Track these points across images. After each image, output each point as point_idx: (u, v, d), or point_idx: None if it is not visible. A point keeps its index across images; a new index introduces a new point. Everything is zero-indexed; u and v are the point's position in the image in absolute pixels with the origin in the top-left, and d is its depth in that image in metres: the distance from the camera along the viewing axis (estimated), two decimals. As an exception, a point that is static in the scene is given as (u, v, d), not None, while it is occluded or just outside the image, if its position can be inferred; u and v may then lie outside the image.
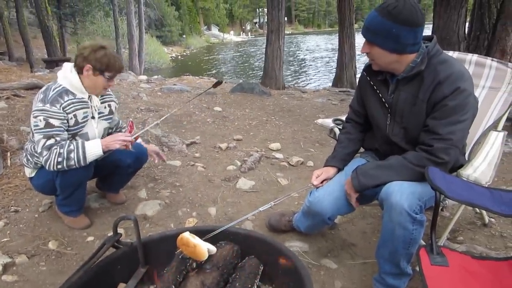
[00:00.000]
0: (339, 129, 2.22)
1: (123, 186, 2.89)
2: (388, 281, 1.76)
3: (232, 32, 69.03)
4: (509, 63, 2.20)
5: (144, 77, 8.81)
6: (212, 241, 1.81)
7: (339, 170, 2.02)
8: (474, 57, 2.27)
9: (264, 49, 9.21)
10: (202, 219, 2.66)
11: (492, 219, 2.63)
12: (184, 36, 40.58)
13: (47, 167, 2.16)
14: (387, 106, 1.80)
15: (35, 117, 2.12)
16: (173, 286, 1.49)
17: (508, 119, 2.38)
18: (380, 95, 1.81)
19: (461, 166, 1.86)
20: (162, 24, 34.79)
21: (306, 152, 3.96)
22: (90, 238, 2.44)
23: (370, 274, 2.16)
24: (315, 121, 2.41)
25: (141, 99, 5.91)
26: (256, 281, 1.63)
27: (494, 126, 2.15)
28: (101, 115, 2.46)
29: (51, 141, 2.13)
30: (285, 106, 6.13)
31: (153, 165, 3.44)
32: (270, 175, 3.34)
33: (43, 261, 2.22)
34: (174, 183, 3.15)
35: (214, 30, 62.18)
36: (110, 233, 1.91)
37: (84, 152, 2.18)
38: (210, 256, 1.66)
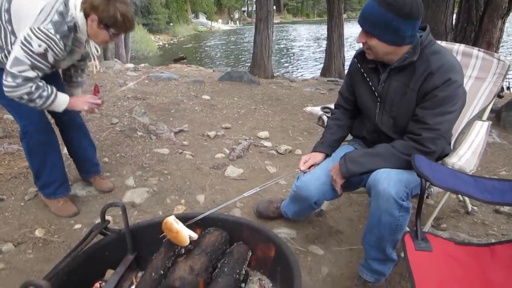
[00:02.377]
0: (327, 117, 2.23)
1: (93, 156, 2.81)
2: (373, 267, 1.80)
3: (220, 20, 68.24)
4: (495, 54, 2.24)
5: (131, 65, 8.69)
6: (200, 227, 1.82)
7: (327, 156, 2.04)
8: (461, 47, 2.30)
9: (253, 38, 9.16)
10: (191, 206, 2.66)
11: (475, 207, 2.70)
12: (171, 24, 39.96)
13: (6, 92, 1.93)
14: (376, 95, 1.82)
15: (36, 37, 1.86)
16: (162, 271, 1.49)
17: (492, 110, 2.43)
18: (370, 84, 1.83)
19: (446, 155, 1.89)
20: (148, 12, 34.16)
21: (294, 140, 3.98)
22: (78, 226, 2.43)
23: (356, 260, 2.21)
24: (304, 109, 2.42)
25: (128, 87, 5.83)
26: (244, 266, 1.65)
27: (479, 116, 2.19)
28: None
29: (33, 73, 1.91)
30: (274, 95, 6.12)
31: (141, 153, 3.42)
32: (259, 163, 3.35)
33: (30, 248, 2.21)
34: (162, 171, 3.14)
35: (202, 18, 61.33)
36: (98, 221, 1.89)
37: (52, 103, 2.07)
38: (198, 242, 1.67)
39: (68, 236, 2.33)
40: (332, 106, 2.28)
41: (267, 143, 3.80)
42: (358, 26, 1.67)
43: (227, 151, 3.52)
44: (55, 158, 2.48)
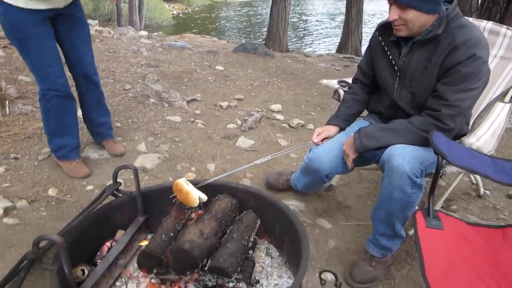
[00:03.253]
0: (344, 91, 2.19)
1: (107, 120, 2.82)
2: (381, 242, 1.80)
3: (236, -10, 66.69)
4: (524, 33, 2.14)
5: (144, 33, 8.58)
6: (211, 194, 1.83)
7: (341, 130, 2.01)
8: (489, 24, 2.20)
9: (269, 10, 8.95)
10: (201, 174, 2.68)
11: (487, 191, 2.67)
12: (186, -8, 39.23)
13: None
14: (396, 69, 1.77)
15: None
16: (172, 234, 1.51)
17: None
18: (391, 58, 1.77)
19: (464, 135, 1.85)
20: (164, -21, 33.52)
21: (307, 115, 3.94)
22: (90, 187, 2.46)
23: (363, 235, 2.21)
24: (320, 81, 2.37)
25: (141, 54, 5.79)
26: (252, 234, 1.67)
27: (501, 97, 2.13)
28: None
29: None
30: (288, 68, 6.03)
31: (153, 120, 3.42)
32: (270, 136, 3.34)
33: (43, 206, 2.25)
34: (174, 138, 3.14)
35: (218, -12, 59.98)
36: (109, 183, 1.92)
37: None
38: (209, 208, 1.68)
39: (80, 197, 2.37)
40: (349, 80, 2.24)
41: (280, 116, 3.77)
42: (378, 2, 1.60)
43: (239, 122, 3.50)
44: (71, 122, 2.51)
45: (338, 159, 1.89)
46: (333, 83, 2.26)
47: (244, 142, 3.13)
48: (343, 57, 8.13)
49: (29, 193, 2.35)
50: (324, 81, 2.26)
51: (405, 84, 1.75)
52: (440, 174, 1.81)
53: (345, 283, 1.88)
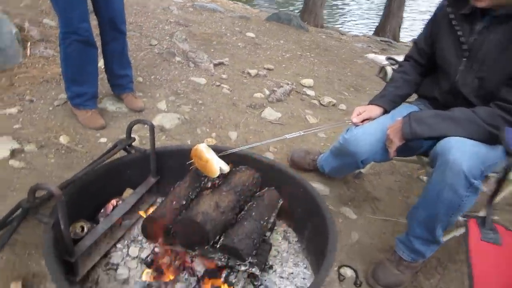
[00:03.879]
0: (392, 69, 1.94)
1: (129, 73, 2.67)
2: (414, 245, 1.59)
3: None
4: None
5: (177, -10, 8.26)
6: (231, 164, 1.65)
7: (385, 112, 1.77)
8: None
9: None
10: (222, 141, 2.49)
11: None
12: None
13: None
14: (465, 48, 1.50)
15: None
16: (184, 202, 1.34)
17: None
18: (460, 33, 1.51)
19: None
20: None
21: (340, 94, 3.69)
22: (103, 140, 2.32)
23: (390, 232, 2.02)
24: (366, 55, 2.13)
25: (171, 12, 5.55)
26: (273, 214, 1.48)
27: None
28: None
29: None
30: (322, 44, 5.70)
31: (177, 79, 3.23)
32: (299, 111, 3.11)
33: (52, 153, 2.12)
34: (197, 100, 2.96)
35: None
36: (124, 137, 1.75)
37: None
38: (228, 179, 1.50)
39: (92, 148, 2.23)
40: (400, 58, 1.98)
41: (310, 92, 3.53)
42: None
43: (267, 92, 3.28)
44: (90, 70, 2.36)
45: (379, 144, 1.66)
46: (381, 58, 2.02)
47: (270, 113, 2.92)
48: (380, 40, 7.69)
49: (40, 137, 2.21)
50: (371, 56, 2.03)
51: (473, 67, 1.49)
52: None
53: (366, 283, 1.69)
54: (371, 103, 1.80)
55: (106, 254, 1.46)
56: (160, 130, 2.51)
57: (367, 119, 1.75)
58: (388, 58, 2.00)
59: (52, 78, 2.86)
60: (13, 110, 2.41)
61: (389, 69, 1.94)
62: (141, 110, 2.68)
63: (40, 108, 2.50)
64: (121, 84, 2.66)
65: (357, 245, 1.90)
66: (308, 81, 3.75)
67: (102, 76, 2.73)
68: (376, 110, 1.76)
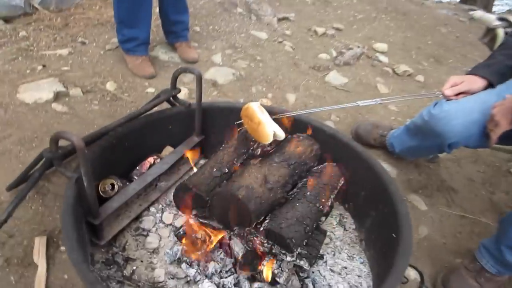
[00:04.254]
0: (505, 32, 1.52)
1: (186, 21, 2.46)
2: (506, 257, 1.27)
3: None
4: None
5: None
6: (287, 130, 1.39)
7: (489, 86, 1.39)
8: None
9: None
10: (278, 103, 2.23)
11: None
12: None
13: None
14: None
15: None
16: (227, 169, 1.11)
17: None
18: None
19: None
20: None
21: (417, 64, 3.22)
22: (151, 90, 2.15)
23: (467, 232, 1.69)
24: (470, 13, 1.71)
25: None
26: (331, 196, 1.22)
27: None
28: None
29: None
30: (401, 7, 5.08)
31: (236, 32, 2.96)
32: (368, 78, 2.74)
33: (96, 99, 1.99)
34: (255, 56, 2.68)
35: None
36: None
37: None
38: (281, 148, 1.24)
39: (138, 97, 2.07)
40: (513, 19, 1.55)
41: (383, 58, 3.11)
42: None
43: (334, 54, 2.92)
44: (144, 14, 2.17)
45: (476, 126, 1.31)
46: (491, 18, 1.61)
47: (335, 78, 2.59)
48: (468, 9, 6.80)
49: (86, 82, 2.09)
50: (478, 13, 1.63)
51: None
52: None
53: (434, 291, 1.41)
54: (472, 72, 1.41)
55: (137, 217, 1.30)
56: (212, 85, 2.30)
57: (463, 93, 1.39)
58: (501, 19, 1.58)
59: (107, 21, 2.72)
60: (64, 51, 2.31)
61: (500, 32, 1.53)
62: (194, 61, 2.47)
63: (91, 51, 2.37)
64: (175, 31, 2.46)
65: (426, 242, 1.60)
66: (382, 46, 3.31)
67: (158, 22, 2.55)
68: (477, 82, 1.38)
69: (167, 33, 2.51)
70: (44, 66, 2.14)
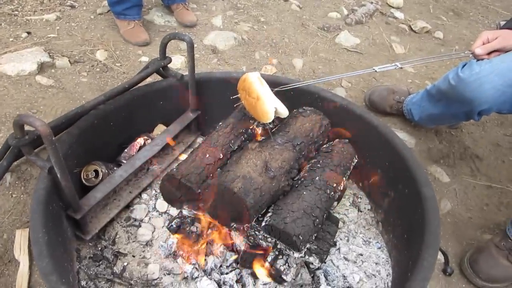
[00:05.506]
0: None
1: None
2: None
3: None
4: None
5: None
6: (292, 103, 1.22)
7: None
8: None
9: None
10: (283, 70, 2.04)
11: None
12: None
13: None
14: None
15: None
16: (221, 155, 0.96)
17: None
18: None
19: None
20: None
21: (436, 19, 2.95)
22: (145, 59, 1.97)
23: (495, 204, 1.54)
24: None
25: None
26: (344, 178, 1.07)
27: None
28: None
29: None
30: (417, -44, 4.68)
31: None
32: (383, 37, 2.50)
33: (85, 71, 1.82)
34: (259, 17, 2.46)
35: None
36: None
37: None
38: (285, 125, 1.08)
39: (130, 68, 1.90)
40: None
41: (399, 14, 2.84)
42: None
43: (345, 12, 2.67)
44: None
45: (511, 89, 1.13)
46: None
47: (346, 38, 2.36)
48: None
49: (75, 51, 1.92)
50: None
51: None
52: None
53: (460, 273, 1.28)
54: (507, 26, 1.21)
55: (128, 206, 1.17)
56: (212, 51, 2.10)
57: (497, 51, 1.19)
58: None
59: (99, -17, 2.50)
60: (52, 16, 2.12)
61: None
62: (192, 25, 2.27)
63: (80, 16, 2.19)
64: None
65: (449, 217, 1.46)
66: (397, 1, 3.02)
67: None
68: None
69: (162, -6, 2.30)
70: (29, 33, 1.97)
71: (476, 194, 1.56)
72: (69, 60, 1.85)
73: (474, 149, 1.77)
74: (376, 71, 1.10)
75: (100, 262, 1.04)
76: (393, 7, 2.97)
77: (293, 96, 1.25)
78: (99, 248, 1.07)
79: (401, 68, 1.18)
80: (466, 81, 1.17)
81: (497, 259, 1.23)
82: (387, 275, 1.13)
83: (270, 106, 0.94)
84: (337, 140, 1.18)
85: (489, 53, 1.19)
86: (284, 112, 0.97)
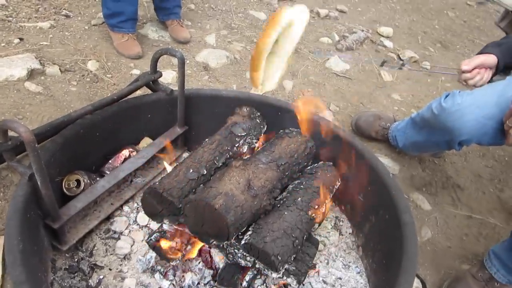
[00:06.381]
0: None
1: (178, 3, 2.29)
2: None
3: None
4: None
5: None
6: (280, 124, 1.24)
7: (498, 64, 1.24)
8: None
9: None
10: (273, 91, 2.06)
11: None
12: None
13: None
14: None
15: None
16: (205, 171, 0.96)
17: None
18: None
19: None
20: None
21: (424, 50, 3.05)
22: (136, 71, 1.98)
23: (474, 234, 1.56)
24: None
25: None
26: (326, 201, 1.07)
27: None
28: None
29: None
30: (408, -11, 4.85)
31: (233, 11, 2.77)
32: (372, 64, 2.57)
33: (75, 80, 1.82)
34: (252, 38, 2.51)
35: None
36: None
37: None
38: (271, 145, 1.09)
39: (121, 80, 1.90)
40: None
41: (388, 43, 2.93)
42: None
43: (336, 38, 2.74)
44: None
45: (492, 122, 1.17)
46: (510, 1, 1.42)
47: (337, 64, 2.41)
48: (478, -7, 6.53)
49: (66, 60, 1.92)
50: (498, -6, 1.43)
51: None
52: None
53: (437, 301, 1.29)
54: (481, 52, 1.27)
55: (108, 218, 1.16)
56: (204, 68, 2.13)
57: (480, 67, 1.24)
58: (521, 2, 1.41)
59: (95, -7, 2.54)
60: (46, 24, 2.13)
61: (521, 17, 1.36)
62: (186, 42, 2.30)
63: (74, 26, 2.19)
64: (167, 7, 2.28)
65: (429, 245, 1.47)
66: (387, 30, 3.12)
67: (149, -1, 2.38)
68: (490, 57, 1.24)
69: (157, 10, 2.33)
70: (21, 39, 1.96)
71: (456, 224, 1.59)
72: (59, 68, 1.84)
73: (456, 179, 1.80)
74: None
75: (76, 274, 1.02)
76: (383, 36, 3.07)
77: (280, 116, 1.28)
78: (76, 260, 1.05)
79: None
80: (448, 111, 1.21)
81: (473, 288, 1.24)
82: (364, 300, 1.13)
83: (260, 76, 0.94)
84: (321, 162, 1.19)
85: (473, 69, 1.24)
86: (268, 87, 0.96)
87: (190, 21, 2.54)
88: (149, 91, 1.37)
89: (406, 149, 1.67)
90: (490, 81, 1.29)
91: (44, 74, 1.79)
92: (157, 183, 0.92)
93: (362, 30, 2.95)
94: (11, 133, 0.88)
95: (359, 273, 1.19)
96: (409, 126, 1.58)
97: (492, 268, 1.23)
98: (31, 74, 1.75)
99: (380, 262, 1.11)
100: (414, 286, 1.31)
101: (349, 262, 1.22)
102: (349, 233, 1.31)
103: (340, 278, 1.16)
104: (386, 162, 1.74)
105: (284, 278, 0.91)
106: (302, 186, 1.03)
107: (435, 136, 1.35)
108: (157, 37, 2.32)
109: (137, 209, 1.21)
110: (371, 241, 1.19)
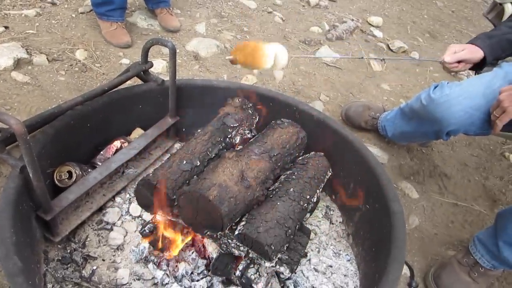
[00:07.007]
0: (515, 8, 1.38)
1: None
2: (503, 252, 1.18)
3: None
4: None
5: None
6: (271, 115, 1.25)
7: (484, 60, 1.26)
8: None
9: None
10: (263, 80, 2.07)
11: None
12: None
13: None
14: None
15: None
16: (199, 162, 0.97)
17: None
18: None
19: None
20: None
21: (412, 40, 3.07)
22: (125, 61, 1.96)
23: (460, 222, 1.60)
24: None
25: None
26: (318, 191, 1.09)
27: None
28: None
29: None
30: (398, -21, 4.85)
31: (223, -1, 2.74)
32: (361, 54, 2.58)
33: (63, 69, 1.80)
34: (242, 27, 2.49)
35: None
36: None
37: None
38: (263, 136, 1.10)
39: (110, 69, 1.88)
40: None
41: (378, 33, 2.94)
42: None
43: (326, 27, 2.74)
44: None
45: (479, 113, 1.19)
46: (498, -8, 1.44)
47: (327, 53, 2.42)
48: (466, -18, 6.56)
49: (54, 49, 1.89)
50: (487, -14, 1.43)
51: None
52: None
53: (424, 287, 1.33)
54: (472, 42, 1.29)
55: (101, 209, 1.16)
56: (194, 58, 2.11)
57: (463, 62, 1.27)
58: (509, -7, 1.43)
59: (82, -19, 2.48)
60: (31, 12, 2.08)
61: (509, 7, 1.38)
62: (175, 30, 2.28)
63: (61, 14, 2.15)
64: None
65: (416, 233, 1.51)
66: (377, 20, 3.13)
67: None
68: (479, 52, 1.26)
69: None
70: (6, 27, 1.92)
71: (442, 211, 1.63)
72: (47, 58, 1.81)
73: (443, 167, 1.84)
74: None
75: (69, 265, 1.02)
76: (372, 26, 3.08)
77: (272, 107, 1.29)
78: (68, 251, 1.05)
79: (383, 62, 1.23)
80: (436, 102, 1.23)
81: (459, 274, 1.28)
82: (354, 287, 1.16)
83: (270, 50, 0.96)
84: (312, 153, 1.21)
85: (458, 62, 1.27)
86: (283, 61, 0.98)
87: (180, 9, 2.51)
88: (139, 81, 1.36)
89: (395, 138, 1.70)
90: (478, 72, 1.31)
91: (31, 63, 1.76)
92: (151, 174, 0.92)
93: (352, 20, 2.95)
94: (0, 125, 0.88)
95: (349, 260, 1.22)
96: (398, 116, 1.60)
97: (477, 253, 1.27)
98: (18, 64, 1.72)
99: (370, 250, 1.14)
100: (402, 272, 1.35)
101: (340, 250, 1.25)
102: (340, 222, 1.33)
103: (331, 266, 1.18)
104: (376, 151, 1.76)
105: (277, 267, 0.92)
106: (294, 177, 1.05)
107: (424, 126, 1.38)
108: (146, 25, 2.29)
109: (130, 200, 1.22)
110: (361, 230, 1.22)
